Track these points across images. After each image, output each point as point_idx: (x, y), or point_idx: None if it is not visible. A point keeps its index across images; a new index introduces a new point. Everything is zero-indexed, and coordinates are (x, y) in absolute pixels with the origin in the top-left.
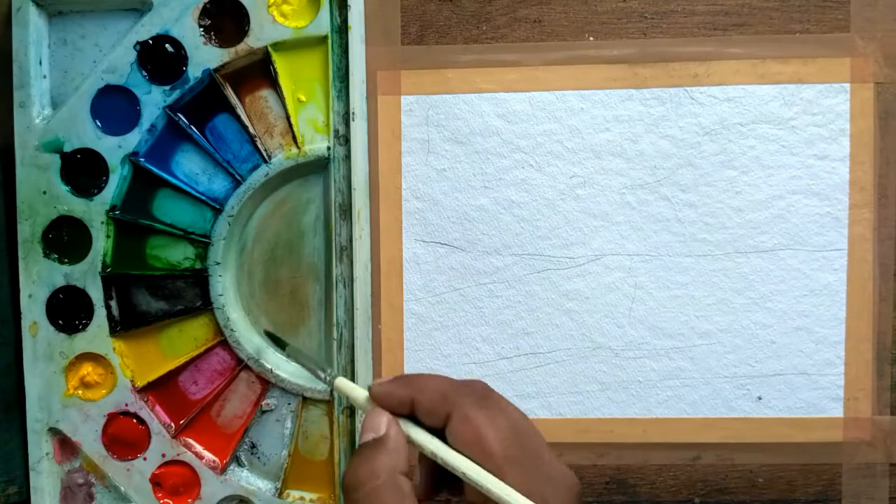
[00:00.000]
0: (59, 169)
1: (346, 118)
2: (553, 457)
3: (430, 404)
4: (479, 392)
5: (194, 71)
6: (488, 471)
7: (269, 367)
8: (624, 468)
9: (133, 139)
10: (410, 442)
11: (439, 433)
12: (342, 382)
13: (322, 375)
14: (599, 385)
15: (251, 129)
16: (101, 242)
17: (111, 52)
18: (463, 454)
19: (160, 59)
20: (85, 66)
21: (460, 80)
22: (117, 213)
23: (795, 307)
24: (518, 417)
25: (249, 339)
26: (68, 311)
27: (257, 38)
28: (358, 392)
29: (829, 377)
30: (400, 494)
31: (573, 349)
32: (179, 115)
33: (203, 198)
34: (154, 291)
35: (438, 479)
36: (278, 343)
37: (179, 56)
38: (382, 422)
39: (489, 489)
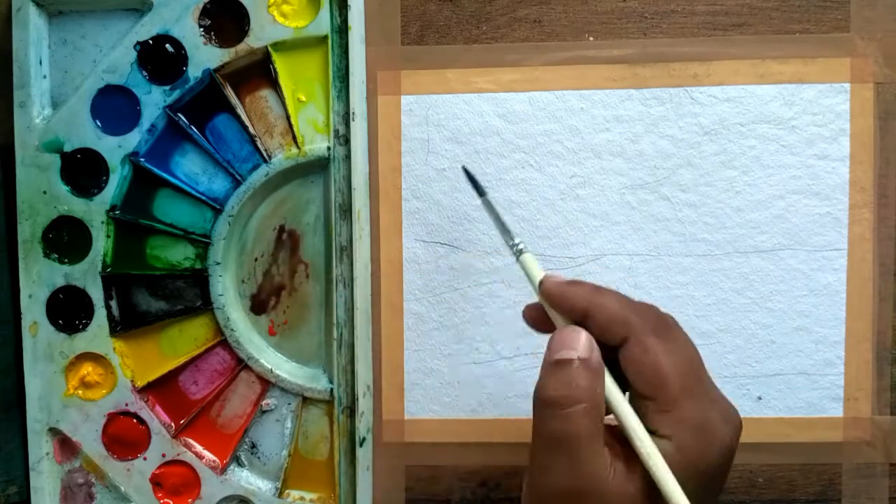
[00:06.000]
0: (59, 169)
1: (346, 118)
2: (718, 390)
3: (608, 324)
4: (655, 318)
5: (194, 71)
6: (665, 400)
7: (269, 367)
8: None
9: (133, 139)
10: None
11: (606, 348)
12: (528, 259)
13: (510, 243)
14: None
15: (251, 129)
16: (101, 242)
17: (111, 52)
18: (636, 380)
19: (160, 59)
20: (85, 66)
21: (460, 80)
22: (117, 212)
23: (795, 307)
24: (692, 349)
25: (249, 338)
26: (68, 311)
27: (257, 38)
28: (535, 277)
29: (829, 377)
30: (599, 422)
31: None
32: (179, 115)
33: (203, 198)
34: (154, 291)
35: None
36: (477, 187)
37: (179, 56)
38: (581, 341)
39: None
